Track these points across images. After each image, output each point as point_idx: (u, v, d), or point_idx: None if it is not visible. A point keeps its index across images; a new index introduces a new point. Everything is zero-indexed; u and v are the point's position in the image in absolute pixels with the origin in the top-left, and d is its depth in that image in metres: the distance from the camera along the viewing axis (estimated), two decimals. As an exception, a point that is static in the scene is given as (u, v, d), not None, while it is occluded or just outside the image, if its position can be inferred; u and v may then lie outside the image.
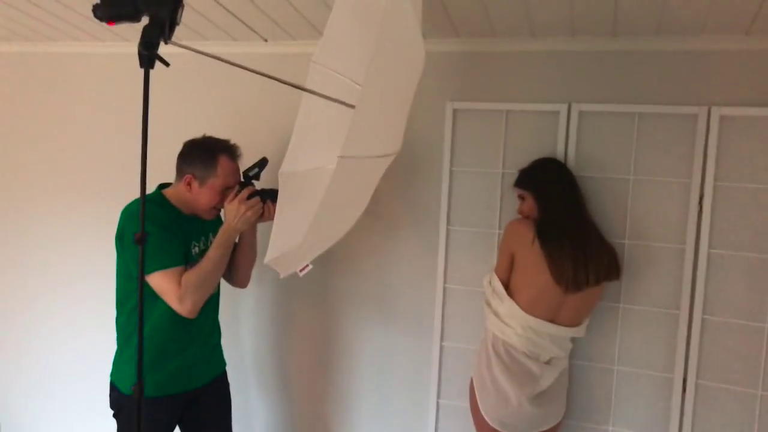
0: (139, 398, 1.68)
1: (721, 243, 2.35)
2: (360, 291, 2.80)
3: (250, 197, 2.12)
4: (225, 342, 2.50)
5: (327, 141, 1.92)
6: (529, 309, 2.24)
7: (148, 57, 1.58)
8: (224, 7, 2.35)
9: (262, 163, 2.22)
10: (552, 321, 2.26)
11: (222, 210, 2.21)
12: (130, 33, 2.78)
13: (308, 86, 2.07)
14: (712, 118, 2.32)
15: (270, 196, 2.18)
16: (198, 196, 2.19)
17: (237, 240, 2.29)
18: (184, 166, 2.19)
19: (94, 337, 3.15)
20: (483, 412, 2.29)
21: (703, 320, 2.37)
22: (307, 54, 2.10)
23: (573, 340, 2.38)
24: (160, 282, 2.05)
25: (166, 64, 1.59)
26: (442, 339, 2.68)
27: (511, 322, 2.27)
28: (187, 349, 2.24)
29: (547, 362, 2.30)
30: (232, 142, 2.25)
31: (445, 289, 2.67)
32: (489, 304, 2.36)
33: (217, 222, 2.33)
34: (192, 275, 2.07)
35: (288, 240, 1.72)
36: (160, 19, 1.56)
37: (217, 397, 2.43)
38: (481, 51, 2.56)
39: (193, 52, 1.74)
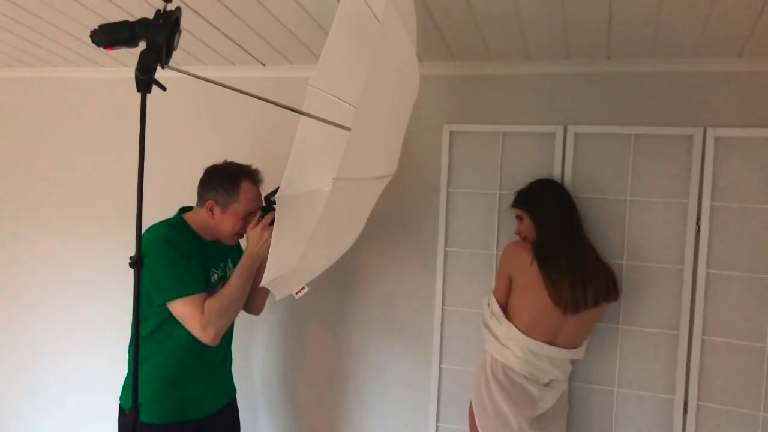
0: (134, 423, 1.68)
1: (719, 263, 2.35)
2: (359, 313, 2.79)
3: (272, 223, 2.10)
4: (234, 367, 2.47)
5: (324, 164, 1.93)
6: (527, 331, 2.23)
7: (145, 81, 1.59)
8: (222, 33, 2.38)
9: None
10: (551, 343, 2.25)
11: (243, 236, 2.20)
12: (129, 58, 2.81)
13: (305, 110, 2.08)
14: (707, 139, 2.33)
15: None
16: (220, 222, 2.17)
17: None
18: (205, 192, 2.18)
19: (90, 360, 3.13)
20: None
21: (702, 341, 2.36)
22: (304, 78, 2.11)
23: (573, 362, 2.36)
24: (183, 309, 2.03)
25: (163, 88, 1.60)
26: (441, 361, 2.67)
27: (510, 344, 2.26)
28: (200, 377, 2.21)
29: (547, 384, 2.28)
30: (254, 167, 2.24)
31: (443, 311, 2.66)
32: (488, 326, 2.35)
33: (235, 248, 2.33)
34: (215, 302, 2.04)
35: (285, 262, 1.72)
36: (157, 44, 1.58)
37: (227, 424, 2.39)
38: (477, 74, 2.58)
39: (191, 77, 1.76)
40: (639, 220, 2.43)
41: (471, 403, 2.36)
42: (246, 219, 2.17)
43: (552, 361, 2.26)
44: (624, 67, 2.40)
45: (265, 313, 2.85)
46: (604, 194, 2.45)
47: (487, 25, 2.13)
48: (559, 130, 2.48)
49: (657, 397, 2.43)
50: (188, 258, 2.08)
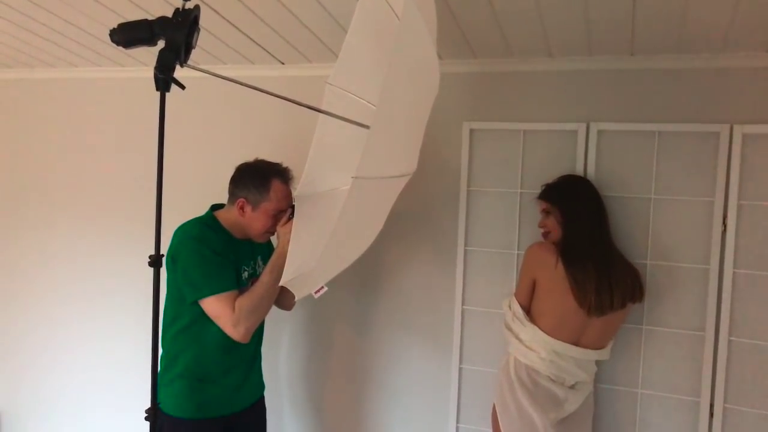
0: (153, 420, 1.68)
1: (746, 262, 2.29)
2: (379, 313, 2.78)
3: None
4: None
5: (343, 162, 1.92)
6: (552, 332, 2.20)
7: (163, 80, 1.59)
8: (242, 32, 2.38)
9: None
10: (576, 344, 2.21)
11: (274, 234, 2.21)
12: (149, 57, 2.82)
13: (324, 108, 2.07)
14: (734, 136, 2.28)
15: None
16: (251, 220, 2.17)
17: None
18: (236, 191, 2.18)
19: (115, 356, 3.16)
20: None
21: (729, 342, 2.31)
22: (323, 76, 2.11)
23: (597, 363, 2.33)
24: (214, 307, 2.04)
25: (182, 87, 1.60)
26: (460, 362, 2.64)
27: (535, 346, 2.22)
28: (231, 373, 2.22)
29: (573, 386, 2.25)
30: (284, 165, 2.24)
31: (463, 311, 2.63)
32: (510, 329, 2.32)
33: (265, 246, 2.33)
34: (246, 300, 2.05)
35: (304, 262, 1.71)
36: (176, 43, 1.58)
37: (256, 421, 2.41)
38: (497, 71, 2.55)
39: (211, 76, 1.76)
40: (663, 219, 2.38)
41: (494, 405, 2.34)
42: (276, 217, 2.17)
43: (577, 362, 2.22)
44: (648, 64, 2.36)
45: (288, 311, 2.87)
46: (628, 192, 2.41)
47: (509, 21, 2.10)
48: (582, 127, 2.44)
49: (682, 400, 2.39)
50: (220, 256, 2.09)
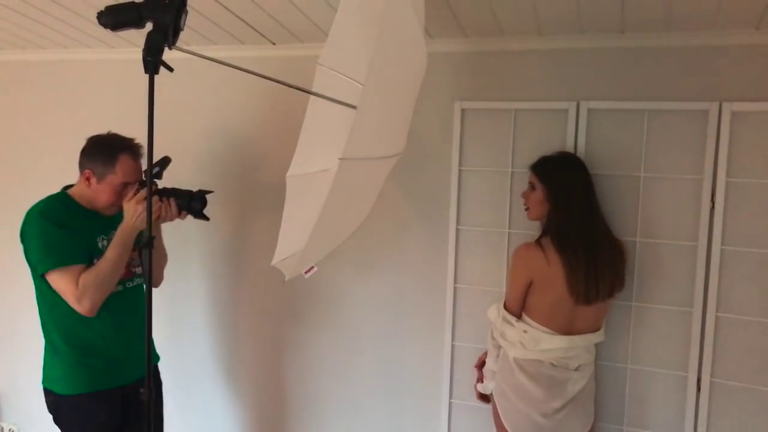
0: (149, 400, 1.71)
1: (734, 239, 2.32)
2: (370, 292, 2.80)
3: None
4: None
5: (333, 143, 1.93)
6: (548, 322, 2.21)
7: (152, 63, 1.60)
8: (231, 12, 2.37)
9: (164, 162, 2.20)
10: (572, 329, 2.23)
11: (121, 208, 2.21)
12: (139, 39, 2.81)
13: (314, 89, 2.08)
14: (723, 113, 2.29)
15: (173, 195, 2.20)
16: (96, 192, 2.20)
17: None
18: (84, 162, 2.20)
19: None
20: (510, 428, 2.26)
21: (717, 318, 2.34)
22: (314, 56, 2.11)
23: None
24: (57, 281, 2.08)
25: (170, 69, 1.61)
26: (453, 338, 2.68)
27: (532, 344, 2.22)
28: (116, 342, 2.25)
29: (576, 369, 2.26)
30: (137, 141, 2.24)
31: (455, 289, 2.66)
32: (504, 337, 2.29)
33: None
34: (90, 275, 2.08)
35: (294, 242, 1.73)
36: (164, 24, 1.58)
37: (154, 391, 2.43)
38: (488, 50, 2.55)
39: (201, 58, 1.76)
40: (653, 197, 2.40)
41: (492, 396, 2.36)
42: (122, 191, 2.19)
43: (578, 347, 2.24)
44: (638, 42, 2.36)
45: (275, 293, 2.90)
46: (618, 171, 2.42)
47: None
48: (572, 106, 2.45)
49: (670, 375, 2.43)
50: (65, 229, 2.12)
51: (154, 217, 2.10)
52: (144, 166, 2.19)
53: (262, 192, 2.92)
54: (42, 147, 3.28)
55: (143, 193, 2.10)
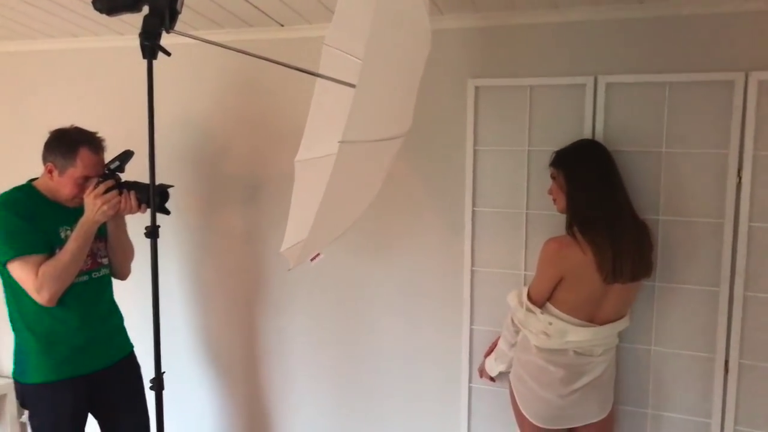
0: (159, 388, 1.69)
1: (762, 216, 2.22)
2: (385, 277, 2.76)
3: (108, 191, 2.16)
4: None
5: (339, 126, 1.88)
6: (573, 312, 2.15)
7: (150, 48, 1.57)
8: (236, -7, 2.32)
9: (125, 155, 2.23)
10: (595, 318, 2.17)
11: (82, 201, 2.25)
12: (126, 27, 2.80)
13: (320, 70, 2.03)
14: (749, 83, 2.18)
15: (134, 188, 2.21)
16: (58, 185, 2.22)
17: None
18: (46, 155, 2.23)
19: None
20: (527, 413, 2.23)
21: (744, 297, 2.26)
22: (323, 37, 2.07)
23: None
24: (17, 271, 2.12)
25: (168, 53, 1.57)
26: (471, 322, 2.63)
27: (558, 337, 2.17)
28: (80, 331, 2.28)
29: (600, 354, 2.21)
30: (99, 134, 2.27)
31: (473, 272, 2.61)
32: (524, 325, 2.24)
33: None
34: (50, 266, 2.11)
35: (300, 229, 1.69)
36: (160, 8, 1.55)
37: (125, 379, 2.47)
38: (501, 25, 2.46)
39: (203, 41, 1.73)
40: (675, 173, 2.31)
41: (510, 384, 2.32)
42: (83, 184, 2.21)
43: (602, 336, 2.18)
44: (657, 11, 2.26)
45: (288, 279, 2.87)
46: (638, 147, 2.34)
47: (509, -29, 2.02)
48: (590, 81, 2.36)
49: (696, 356, 2.35)
50: (25, 220, 2.15)
51: (113, 210, 2.16)
52: (106, 159, 2.23)
53: (230, 183, 2.92)
54: (15, 138, 3.28)
55: (102, 187, 2.15)
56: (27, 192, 2.25)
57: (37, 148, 2.25)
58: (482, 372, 2.52)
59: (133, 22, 2.54)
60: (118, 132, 2.50)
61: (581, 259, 2.09)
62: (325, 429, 2.97)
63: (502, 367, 2.39)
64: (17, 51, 3.21)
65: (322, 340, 2.91)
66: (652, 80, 2.30)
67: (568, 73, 2.40)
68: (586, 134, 2.37)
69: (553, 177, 2.26)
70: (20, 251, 2.11)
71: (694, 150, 2.28)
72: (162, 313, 2.55)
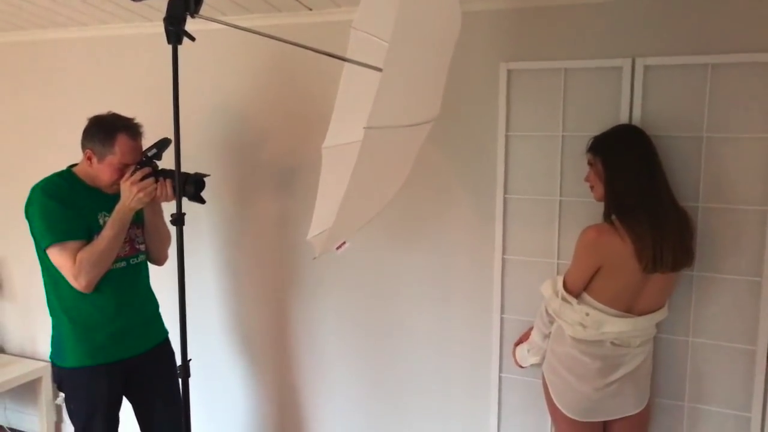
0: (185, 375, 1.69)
1: (810, 202, 2.13)
2: (415, 264, 2.73)
3: (144, 178, 2.16)
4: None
5: (367, 111, 1.84)
6: (611, 303, 2.09)
7: (174, 33, 1.55)
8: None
9: (163, 143, 2.23)
10: (633, 309, 2.11)
11: None
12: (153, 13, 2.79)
13: (349, 54, 1.99)
14: (798, 64, 2.09)
15: (170, 176, 2.20)
16: (98, 171, 2.24)
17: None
18: (85, 142, 2.25)
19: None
20: (561, 405, 2.19)
21: (789, 288, 2.17)
22: (351, 21, 2.03)
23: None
24: (56, 257, 2.15)
25: (192, 38, 1.55)
26: (502, 311, 2.58)
27: (595, 328, 2.11)
28: (117, 318, 2.31)
29: (638, 345, 2.15)
30: (137, 120, 2.27)
31: (504, 260, 2.56)
32: (560, 316, 2.18)
33: None
34: (87, 253, 2.14)
35: (327, 217, 1.66)
36: (185, -8, 1.52)
37: (160, 365, 2.50)
38: (534, 6, 2.39)
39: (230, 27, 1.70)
40: (717, 158, 2.22)
41: (543, 376, 2.28)
42: (122, 170, 2.21)
43: (641, 328, 2.12)
44: (698, -11, 2.17)
45: (323, 269, 2.85)
46: (678, 132, 2.25)
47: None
48: (627, 63, 2.28)
49: (736, 348, 2.27)
50: (65, 205, 2.18)
51: (149, 197, 2.17)
52: (145, 145, 2.23)
53: (262, 170, 2.91)
54: (53, 127, 3.31)
55: (138, 174, 2.16)
56: (67, 178, 2.28)
57: (73, 134, 2.27)
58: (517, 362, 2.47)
59: (160, 7, 2.54)
60: (151, 119, 2.50)
61: (620, 248, 2.02)
62: (355, 418, 2.96)
63: (534, 360, 2.34)
64: (50, 39, 3.24)
65: (351, 327, 2.90)
66: (693, 62, 2.20)
67: (604, 55, 2.32)
68: (623, 119, 2.29)
69: (590, 163, 2.19)
70: (60, 237, 2.14)
71: (736, 135, 2.19)
72: (196, 301, 2.58)
